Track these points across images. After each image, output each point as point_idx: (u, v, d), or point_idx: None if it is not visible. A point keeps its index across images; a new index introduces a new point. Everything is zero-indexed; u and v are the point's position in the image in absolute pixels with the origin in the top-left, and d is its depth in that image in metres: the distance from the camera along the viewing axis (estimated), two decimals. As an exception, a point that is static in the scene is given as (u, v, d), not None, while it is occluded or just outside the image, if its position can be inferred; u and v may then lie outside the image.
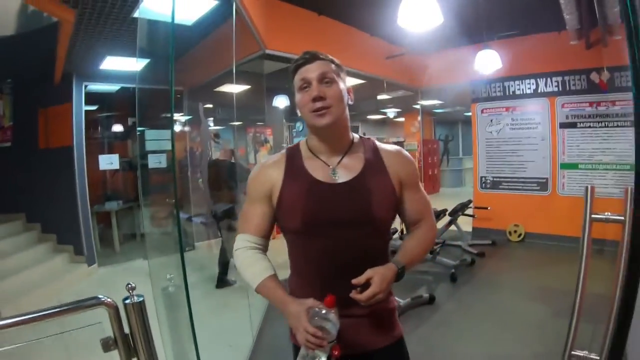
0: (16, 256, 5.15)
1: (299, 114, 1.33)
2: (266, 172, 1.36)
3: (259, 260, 1.33)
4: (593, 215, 1.32)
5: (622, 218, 1.25)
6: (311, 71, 1.27)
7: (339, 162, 1.33)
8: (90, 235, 5.95)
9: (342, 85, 1.30)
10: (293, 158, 1.37)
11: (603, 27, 4.36)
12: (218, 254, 5.20)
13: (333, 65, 1.31)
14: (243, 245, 1.34)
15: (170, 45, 2.34)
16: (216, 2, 3.92)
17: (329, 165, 1.32)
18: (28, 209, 6.00)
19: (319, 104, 1.23)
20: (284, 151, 1.42)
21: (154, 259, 4.22)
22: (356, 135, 1.42)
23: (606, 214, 1.32)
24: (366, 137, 1.46)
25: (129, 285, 1.11)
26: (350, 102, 1.35)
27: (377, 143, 1.42)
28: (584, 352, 1.36)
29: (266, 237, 1.38)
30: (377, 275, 1.17)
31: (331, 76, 1.27)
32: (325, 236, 1.25)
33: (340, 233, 1.24)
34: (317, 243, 1.27)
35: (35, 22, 4.52)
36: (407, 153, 1.42)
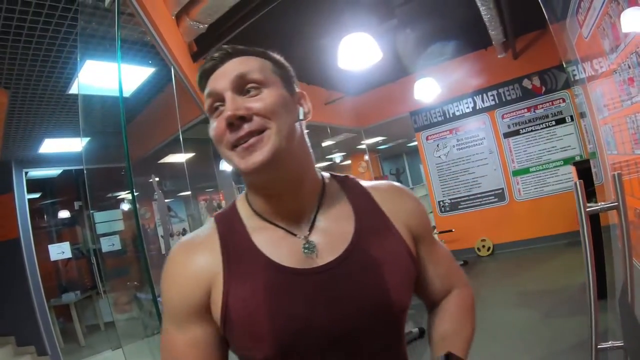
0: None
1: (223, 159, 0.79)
2: (192, 267, 0.77)
3: None
4: (588, 209, 1.32)
5: (616, 204, 1.26)
6: (221, 77, 0.75)
7: (311, 227, 0.80)
8: (52, 332, 5.52)
9: (281, 90, 0.77)
10: (232, 233, 0.80)
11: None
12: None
13: (263, 60, 0.80)
14: None
15: (122, 118, 2.26)
16: (152, 70, 3.86)
17: (295, 235, 0.79)
18: (-20, 312, 5.56)
19: (239, 133, 0.72)
20: (211, 222, 0.84)
21: (125, 346, 3.95)
22: (326, 174, 0.90)
23: (600, 204, 1.33)
24: (342, 175, 0.94)
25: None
26: (303, 117, 0.82)
27: (362, 182, 0.92)
28: (609, 343, 1.33)
29: None
30: None
31: (258, 77, 0.75)
32: None
33: (340, 354, 0.73)
34: None
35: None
36: (409, 191, 0.94)
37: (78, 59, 3.16)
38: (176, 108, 4.01)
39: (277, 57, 0.84)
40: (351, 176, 0.92)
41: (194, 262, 0.76)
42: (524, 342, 3.29)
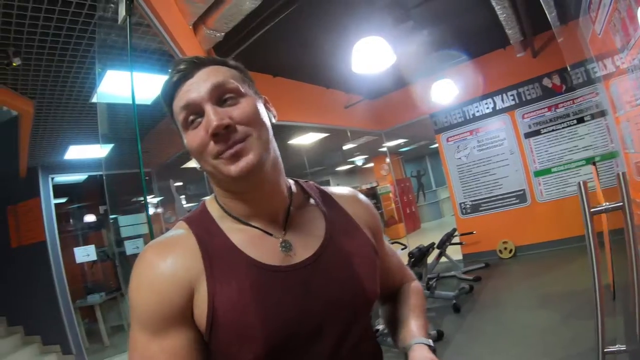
0: (0, 363, 4.88)
1: (199, 166, 0.80)
2: (167, 267, 0.73)
3: None
4: (592, 209, 1.31)
5: (621, 204, 1.25)
6: (195, 88, 0.75)
7: (285, 227, 0.83)
8: (77, 332, 5.67)
9: (254, 99, 0.80)
10: (207, 234, 0.79)
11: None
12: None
13: (231, 70, 0.81)
14: None
15: (135, 126, 2.33)
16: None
17: (271, 235, 0.81)
18: (8, 311, 5.76)
19: (225, 143, 0.73)
20: (181, 227, 0.82)
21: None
22: (289, 179, 0.93)
23: (604, 204, 1.32)
24: (301, 180, 0.99)
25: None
26: (273, 120, 0.85)
27: (322, 187, 0.98)
28: (616, 346, 1.32)
29: None
30: None
31: (234, 86, 0.77)
32: (305, 358, 0.75)
33: (326, 345, 0.75)
34: None
35: (-6, 117, 4.51)
36: (361, 194, 1.02)
37: (98, 70, 3.26)
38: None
39: (237, 63, 0.85)
40: (311, 182, 0.99)
41: (171, 263, 0.73)
42: (543, 345, 3.25)
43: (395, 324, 0.98)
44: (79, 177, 6.84)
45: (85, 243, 7.45)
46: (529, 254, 6.16)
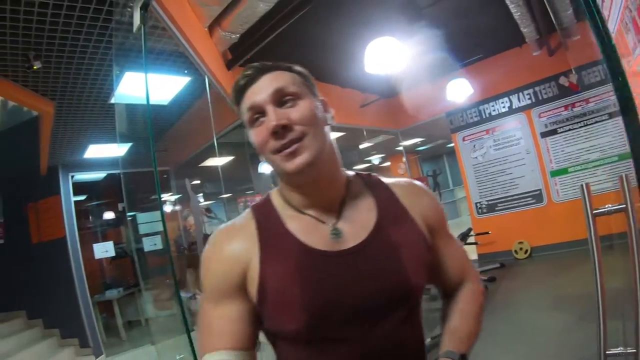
0: (20, 355, 5.02)
1: (262, 159, 0.89)
2: (230, 251, 0.87)
3: None
4: (595, 211, 1.32)
5: (624, 206, 1.25)
6: (259, 91, 0.84)
7: (338, 216, 0.90)
8: (94, 326, 5.81)
9: (312, 101, 0.87)
10: (267, 220, 0.90)
11: (561, 33, 4.54)
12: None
13: (294, 74, 0.89)
14: None
15: (149, 126, 2.39)
16: (189, 79, 4.01)
17: (324, 223, 0.88)
18: (28, 305, 5.91)
19: (282, 140, 0.81)
20: (248, 212, 0.95)
21: (163, 342, 4.10)
22: (350, 172, 0.99)
23: (607, 206, 1.32)
24: (365, 172, 1.03)
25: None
26: (331, 122, 0.93)
27: (384, 179, 1.01)
28: (619, 348, 1.32)
29: (250, 348, 0.85)
30: None
31: (294, 90, 0.85)
32: (344, 339, 0.81)
33: (366, 329, 0.80)
34: (330, 353, 0.82)
35: (16, 117, 4.61)
36: (426, 188, 1.02)
37: (115, 72, 3.33)
38: (210, 114, 4.16)
39: (301, 69, 0.93)
40: (374, 174, 1.02)
41: (232, 245, 0.87)
42: (555, 347, 3.24)
43: (442, 327, 1.00)
44: (98, 175, 6.97)
45: (104, 239, 7.59)
46: (545, 255, 6.10)
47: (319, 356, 0.82)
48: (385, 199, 0.95)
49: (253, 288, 0.83)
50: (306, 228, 0.87)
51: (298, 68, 0.92)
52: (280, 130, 0.80)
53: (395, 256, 0.85)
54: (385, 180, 1.00)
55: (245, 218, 0.92)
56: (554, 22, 4.24)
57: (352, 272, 0.82)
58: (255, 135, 0.86)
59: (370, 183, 0.98)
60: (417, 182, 1.02)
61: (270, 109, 0.82)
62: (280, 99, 0.84)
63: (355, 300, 0.80)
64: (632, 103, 1.06)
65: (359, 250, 0.85)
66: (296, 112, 0.83)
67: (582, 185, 1.31)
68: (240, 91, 0.88)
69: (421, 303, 0.94)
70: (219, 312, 0.84)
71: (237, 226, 0.91)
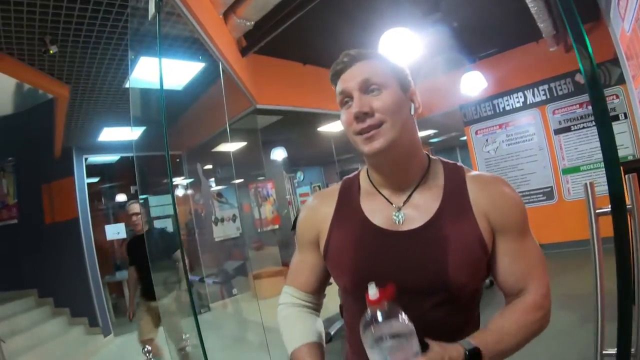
0: (31, 332, 5.12)
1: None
2: (314, 210, 1.08)
3: (301, 320, 1.07)
4: (598, 211, 1.31)
5: (630, 206, 1.24)
6: (350, 79, 0.94)
7: (406, 200, 0.97)
8: (104, 306, 5.91)
9: (396, 91, 0.94)
10: (348, 193, 1.06)
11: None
12: (233, 313, 5.13)
13: (383, 64, 0.97)
14: (287, 301, 1.11)
15: (162, 110, 2.41)
16: (203, 65, 4.03)
17: (392, 204, 0.98)
18: (39, 284, 5.99)
19: (363, 125, 0.90)
20: (339, 183, 1.12)
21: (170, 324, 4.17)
22: (435, 159, 1.06)
23: (610, 206, 1.30)
24: (451, 162, 1.06)
25: (146, 349, 1.11)
26: (413, 112, 0.99)
27: (466, 170, 1.03)
28: (615, 349, 1.32)
29: (316, 293, 1.11)
30: (440, 348, 0.78)
31: (379, 80, 0.92)
32: None
33: (403, 301, 0.79)
34: None
35: (31, 100, 4.68)
36: (507, 184, 0.98)
37: (131, 57, 3.36)
38: (224, 100, 4.18)
39: (395, 60, 1.00)
40: (459, 164, 1.05)
41: (315, 208, 1.09)
42: (559, 345, 3.24)
43: None
44: (111, 157, 7.04)
45: (116, 221, 7.69)
46: (554, 252, 6.05)
47: (362, 310, 0.82)
48: (455, 191, 0.97)
49: (322, 245, 1.03)
50: (375, 205, 0.99)
51: (391, 58, 1.00)
52: (362, 116, 0.90)
53: (441, 249, 0.89)
54: (468, 172, 1.01)
55: (334, 187, 1.10)
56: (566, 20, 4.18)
57: (398, 252, 0.91)
58: (343, 116, 0.95)
59: (449, 172, 1.01)
60: (500, 179, 0.99)
61: (356, 95, 0.92)
62: (367, 87, 0.92)
63: (395, 277, 0.82)
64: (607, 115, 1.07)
65: (410, 235, 0.92)
66: (378, 100, 0.91)
67: (586, 184, 1.30)
68: (336, 75, 0.98)
69: (475, 299, 1.00)
70: (300, 257, 1.11)
71: (325, 192, 1.11)
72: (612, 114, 5.53)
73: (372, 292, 0.74)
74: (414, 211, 0.95)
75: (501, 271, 0.95)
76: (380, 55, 0.99)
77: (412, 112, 0.98)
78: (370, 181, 1.04)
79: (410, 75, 1.02)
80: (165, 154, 2.44)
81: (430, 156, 1.05)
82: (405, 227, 0.94)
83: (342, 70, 0.96)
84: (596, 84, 1.05)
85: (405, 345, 0.72)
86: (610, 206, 1.30)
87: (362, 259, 0.93)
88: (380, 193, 1.00)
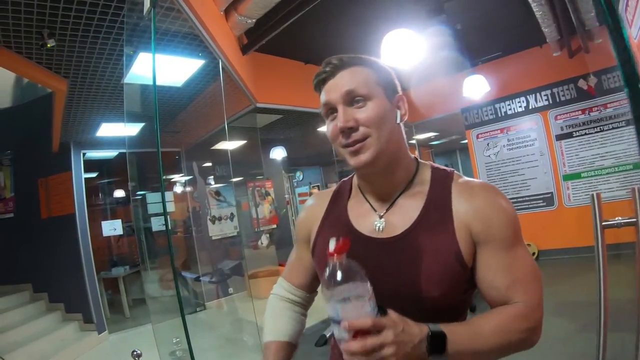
0: (25, 327, 5.08)
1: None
2: (308, 211, 1.14)
3: (284, 317, 1.12)
4: (604, 223, 1.28)
5: (634, 220, 1.21)
6: (333, 90, 0.92)
7: (389, 207, 0.97)
8: (99, 302, 5.86)
9: (382, 101, 0.91)
10: (340, 196, 1.09)
11: (582, 34, 4.45)
12: (229, 313, 5.11)
13: (368, 71, 0.93)
14: (278, 292, 1.16)
15: (155, 107, 2.38)
16: (203, 62, 3.99)
17: (375, 211, 0.99)
18: (34, 279, 5.94)
19: (348, 139, 0.89)
20: (334, 186, 1.15)
21: (163, 322, 4.14)
22: (425, 164, 1.03)
23: (617, 218, 1.28)
24: (442, 167, 1.03)
25: (135, 352, 1.09)
26: (399, 121, 0.96)
27: (456, 176, 0.99)
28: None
29: (307, 289, 1.15)
30: (398, 318, 0.75)
31: (363, 92, 0.89)
32: None
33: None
34: None
35: (30, 94, 4.64)
36: (496, 192, 0.93)
37: (129, 52, 3.32)
38: (223, 98, 4.15)
39: (381, 64, 0.98)
40: (450, 170, 1.01)
41: (310, 208, 1.14)
42: (552, 355, 3.20)
43: None
44: (110, 153, 6.99)
45: (114, 217, 7.67)
46: (552, 259, 6.04)
47: None
48: (438, 200, 0.94)
49: (310, 245, 1.09)
50: (361, 211, 1.02)
51: (376, 63, 0.97)
52: (347, 130, 0.89)
53: (414, 261, 0.88)
54: (458, 178, 0.97)
55: (330, 189, 1.15)
56: (575, 23, 4.16)
57: (375, 260, 0.90)
58: (328, 128, 0.95)
59: (436, 179, 0.98)
60: (490, 187, 0.94)
61: (340, 109, 0.91)
62: (351, 99, 0.91)
63: (373, 284, 0.76)
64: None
65: (387, 243, 0.93)
66: (363, 113, 0.89)
67: (592, 194, 1.27)
68: (319, 84, 0.97)
69: (459, 310, 0.97)
70: (296, 254, 1.17)
71: (321, 194, 1.16)
72: (614, 121, 5.50)
73: (331, 245, 0.74)
74: (395, 219, 0.95)
75: (484, 285, 0.90)
76: (366, 61, 0.96)
77: (398, 120, 0.96)
78: (359, 187, 1.06)
79: (397, 78, 1.00)
80: (156, 150, 2.41)
81: (420, 161, 1.04)
82: (385, 235, 0.94)
83: (325, 80, 0.95)
84: (635, 80, 0.99)
85: (360, 304, 0.71)
86: (617, 218, 1.27)
87: None
88: (366, 199, 1.02)
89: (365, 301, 0.72)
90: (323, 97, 0.95)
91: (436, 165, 1.03)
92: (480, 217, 0.88)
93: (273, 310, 1.15)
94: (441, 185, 0.96)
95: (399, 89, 0.99)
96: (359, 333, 0.70)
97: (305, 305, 1.18)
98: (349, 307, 0.71)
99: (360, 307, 0.71)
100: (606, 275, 1.34)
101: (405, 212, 0.94)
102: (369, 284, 0.73)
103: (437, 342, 0.76)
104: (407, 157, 1.00)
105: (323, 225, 1.07)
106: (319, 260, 1.04)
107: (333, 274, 0.72)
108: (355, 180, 1.09)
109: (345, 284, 0.71)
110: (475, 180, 0.97)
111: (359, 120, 0.89)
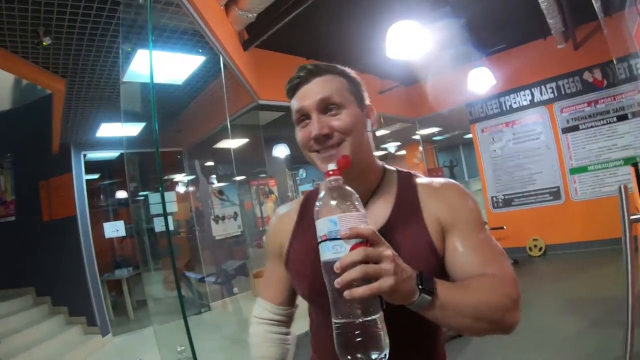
0: (28, 331, 5.03)
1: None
2: (277, 223, 1.13)
3: (264, 343, 1.12)
4: (632, 217, 1.22)
5: None
6: (307, 96, 0.93)
7: None
8: (102, 305, 5.81)
9: (355, 110, 0.94)
10: (307, 206, 1.08)
11: (588, 26, 4.37)
12: (234, 313, 5.07)
13: (341, 80, 0.96)
14: (259, 315, 1.14)
15: (152, 105, 2.30)
16: (204, 58, 3.93)
17: None
18: (37, 282, 5.89)
19: (322, 146, 0.91)
20: (300, 198, 1.14)
21: (168, 324, 4.09)
22: (391, 169, 1.06)
23: None
24: (405, 170, 1.07)
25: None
26: (370, 129, 0.99)
27: (419, 177, 1.03)
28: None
29: (286, 304, 1.13)
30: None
31: (338, 100, 0.91)
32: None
33: None
34: (330, 320, 0.81)
35: (29, 95, 4.59)
36: (458, 186, 0.99)
37: (128, 49, 3.26)
38: (224, 95, 4.09)
39: (352, 74, 0.99)
40: (414, 172, 1.05)
41: (279, 221, 1.12)
42: (565, 351, 3.16)
43: None
44: (111, 154, 6.92)
45: (116, 219, 7.62)
46: (560, 254, 5.98)
47: (321, 319, 0.98)
48: (405, 198, 0.97)
49: (283, 257, 1.06)
50: None
51: (349, 73, 0.98)
52: (321, 137, 0.90)
53: None
54: (419, 179, 1.02)
55: (297, 201, 1.13)
56: (581, 15, 4.09)
57: None
58: (299, 135, 0.96)
59: (402, 180, 1.02)
60: (453, 183, 1.00)
61: (314, 116, 0.91)
62: (325, 106, 0.91)
63: None
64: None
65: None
66: (338, 120, 0.90)
67: (619, 186, 1.21)
68: (292, 90, 0.97)
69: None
70: (269, 270, 1.15)
71: (288, 207, 1.14)
72: (620, 113, 5.43)
73: (331, 166, 0.77)
74: (369, 220, 0.85)
75: (456, 264, 0.90)
76: (340, 70, 0.97)
77: (369, 128, 0.99)
78: None
79: (365, 90, 1.01)
80: (155, 150, 2.34)
81: (386, 167, 1.06)
82: None
83: (298, 86, 0.95)
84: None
85: (359, 215, 0.72)
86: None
87: (318, 269, 0.81)
88: None
89: (362, 216, 0.73)
90: (295, 104, 0.95)
91: (400, 168, 1.07)
92: (446, 204, 0.94)
93: (257, 339, 1.14)
94: (407, 185, 1.00)
95: (368, 100, 1.01)
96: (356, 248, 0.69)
97: (288, 321, 1.17)
98: (348, 216, 0.71)
99: (359, 217, 0.72)
100: (634, 269, 1.28)
101: (378, 213, 0.96)
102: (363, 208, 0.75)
103: (427, 281, 0.76)
104: (375, 164, 1.03)
105: (296, 233, 1.06)
106: (295, 269, 1.03)
107: (332, 190, 0.76)
108: (322, 188, 0.96)
109: (345, 198, 0.74)
110: (437, 179, 1.03)
111: (333, 127, 0.90)
